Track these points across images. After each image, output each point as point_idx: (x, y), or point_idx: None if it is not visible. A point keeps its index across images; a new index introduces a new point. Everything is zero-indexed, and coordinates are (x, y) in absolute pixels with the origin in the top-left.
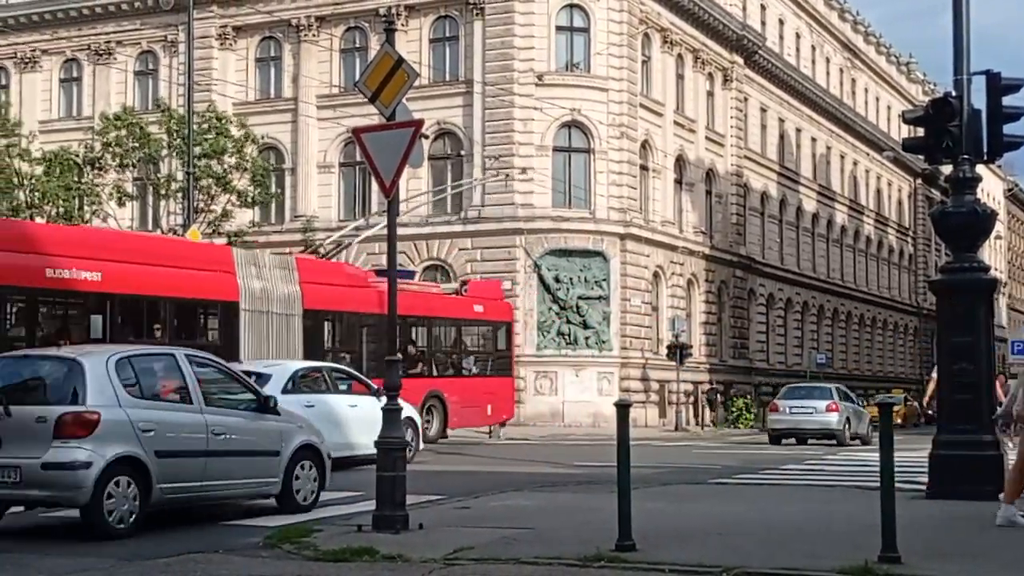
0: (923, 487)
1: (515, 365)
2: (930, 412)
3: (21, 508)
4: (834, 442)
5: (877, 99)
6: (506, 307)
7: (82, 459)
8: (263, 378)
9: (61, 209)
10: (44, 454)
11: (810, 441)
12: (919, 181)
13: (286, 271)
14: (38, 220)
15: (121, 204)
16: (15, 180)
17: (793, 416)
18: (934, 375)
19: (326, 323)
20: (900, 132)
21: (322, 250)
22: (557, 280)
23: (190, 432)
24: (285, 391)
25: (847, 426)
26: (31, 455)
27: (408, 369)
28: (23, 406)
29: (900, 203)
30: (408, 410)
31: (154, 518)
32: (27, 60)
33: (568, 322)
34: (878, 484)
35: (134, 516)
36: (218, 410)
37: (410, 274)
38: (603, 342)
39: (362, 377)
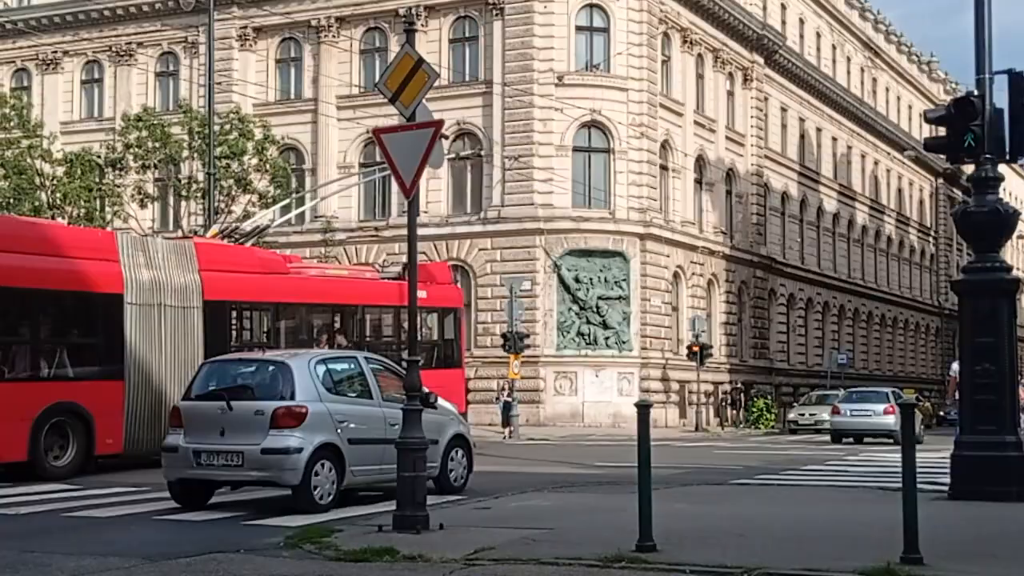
0: (945, 488)
1: (465, 355)
2: (941, 413)
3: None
4: (891, 441)
5: (898, 98)
6: (454, 292)
7: (295, 445)
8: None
9: (82, 210)
10: (263, 441)
11: (866, 440)
12: (941, 180)
13: (182, 258)
14: (60, 221)
15: (143, 205)
16: (37, 181)
17: (854, 418)
18: (952, 373)
19: (234, 316)
20: (922, 131)
21: (237, 233)
22: (577, 280)
23: (372, 423)
24: None
25: None
26: (251, 443)
27: None
28: (242, 402)
29: (921, 203)
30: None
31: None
32: (49, 62)
33: (588, 322)
34: (899, 485)
35: (332, 494)
36: (391, 404)
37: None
38: (623, 342)
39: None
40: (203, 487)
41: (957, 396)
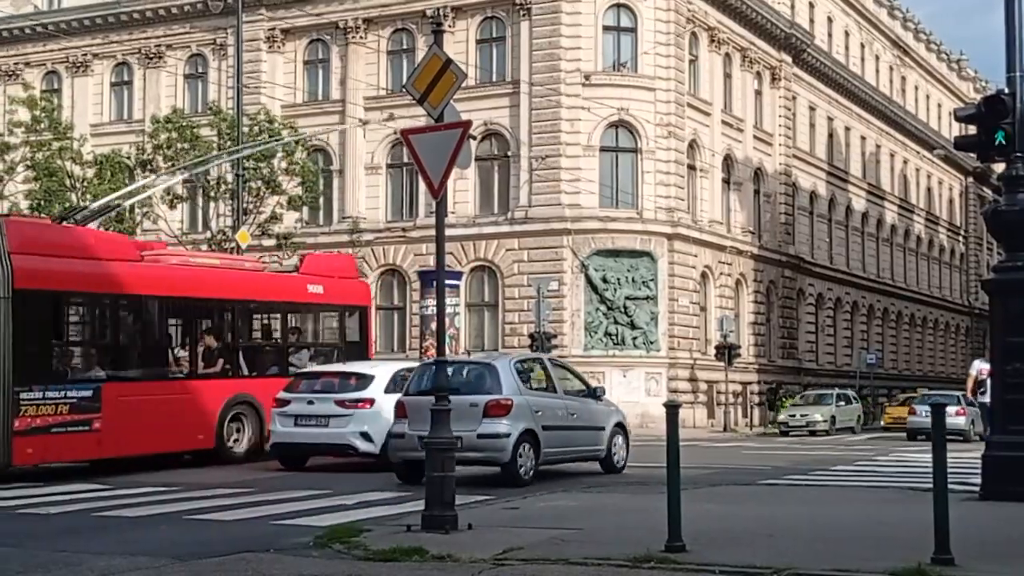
0: (976, 488)
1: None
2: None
3: None
4: (961, 439)
5: (927, 97)
6: (360, 288)
7: (504, 431)
8: (366, 379)
9: (112, 212)
10: (478, 428)
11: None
12: (970, 179)
13: None
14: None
15: (172, 207)
16: (67, 183)
17: (928, 418)
18: (972, 372)
19: (58, 309)
20: (951, 130)
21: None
22: (604, 280)
23: (557, 412)
24: (387, 391)
25: (972, 426)
26: (468, 429)
27: (205, 367)
28: (458, 395)
29: (951, 201)
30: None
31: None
32: (79, 64)
33: (616, 322)
34: (930, 485)
35: (532, 471)
36: (569, 396)
37: (457, 275)
38: (651, 342)
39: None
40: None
41: (981, 395)
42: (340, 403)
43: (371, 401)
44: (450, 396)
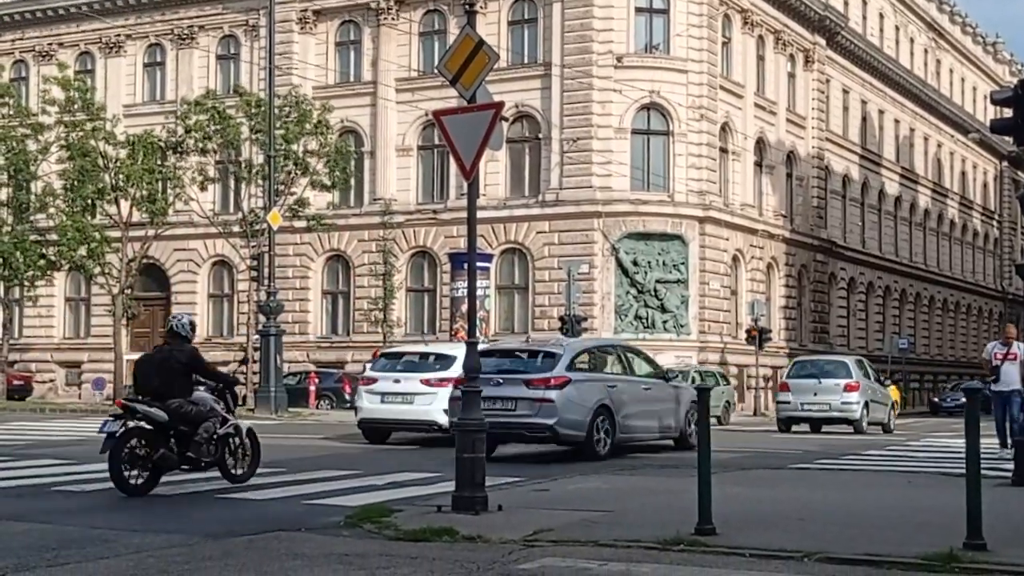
0: (1009, 474)
1: None
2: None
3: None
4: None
5: (963, 80)
6: None
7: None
8: (448, 359)
9: (145, 192)
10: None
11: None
12: (1005, 163)
13: None
14: (123, 203)
15: (203, 188)
16: (101, 163)
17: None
18: (985, 355)
19: None
20: (986, 113)
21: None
22: (635, 263)
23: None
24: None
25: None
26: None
27: None
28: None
29: (985, 186)
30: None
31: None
32: (112, 45)
33: (646, 306)
34: (961, 470)
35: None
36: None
37: (488, 257)
38: (681, 326)
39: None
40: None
41: (993, 382)
42: (425, 382)
43: (455, 380)
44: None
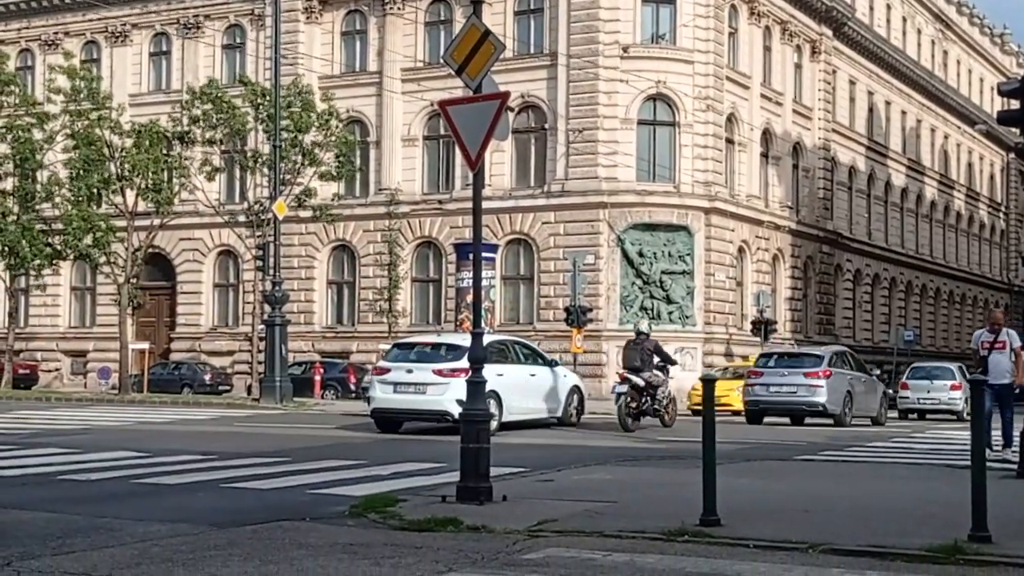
0: (1014, 467)
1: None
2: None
3: None
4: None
5: (969, 71)
6: None
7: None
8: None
9: (150, 182)
10: None
11: None
12: (1012, 155)
13: None
14: (128, 192)
15: (211, 178)
16: (106, 152)
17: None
18: (974, 344)
19: None
20: (993, 105)
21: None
22: (641, 254)
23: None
24: None
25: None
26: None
27: None
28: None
29: (992, 177)
30: (573, 379)
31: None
32: (118, 34)
33: (651, 297)
34: (966, 463)
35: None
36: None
37: (493, 248)
38: (687, 317)
39: (538, 349)
40: None
41: (980, 372)
42: (438, 372)
43: (466, 370)
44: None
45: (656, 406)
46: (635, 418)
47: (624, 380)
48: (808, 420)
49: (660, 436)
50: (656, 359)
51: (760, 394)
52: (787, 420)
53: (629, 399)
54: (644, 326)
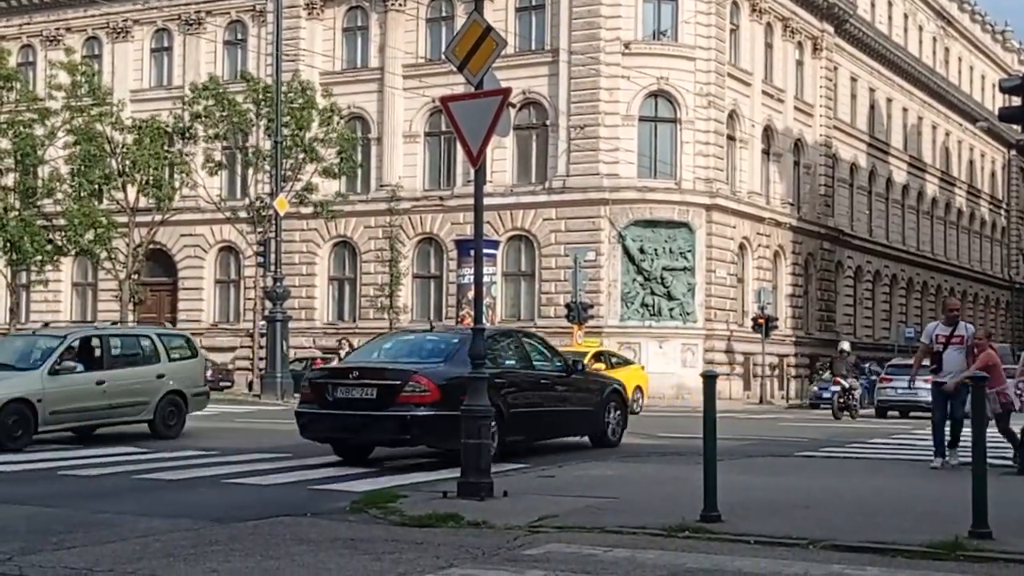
0: (1014, 464)
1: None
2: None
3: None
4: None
5: (971, 68)
6: None
7: None
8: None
9: (151, 177)
10: None
11: None
12: (1013, 152)
13: None
14: (129, 188)
15: (212, 174)
16: (107, 148)
17: None
18: (924, 339)
19: None
20: (995, 102)
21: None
22: (642, 251)
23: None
24: None
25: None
26: None
27: None
28: None
29: (993, 175)
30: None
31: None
32: (119, 30)
33: (652, 293)
34: (968, 460)
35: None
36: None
37: (494, 244)
38: (687, 314)
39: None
40: None
41: (933, 371)
42: None
43: None
44: None
45: (852, 402)
46: (841, 410)
47: (837, 383)
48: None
49: (660, 432)
50: (854, 370)
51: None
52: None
53: (839, 396)
54: (846, 345)
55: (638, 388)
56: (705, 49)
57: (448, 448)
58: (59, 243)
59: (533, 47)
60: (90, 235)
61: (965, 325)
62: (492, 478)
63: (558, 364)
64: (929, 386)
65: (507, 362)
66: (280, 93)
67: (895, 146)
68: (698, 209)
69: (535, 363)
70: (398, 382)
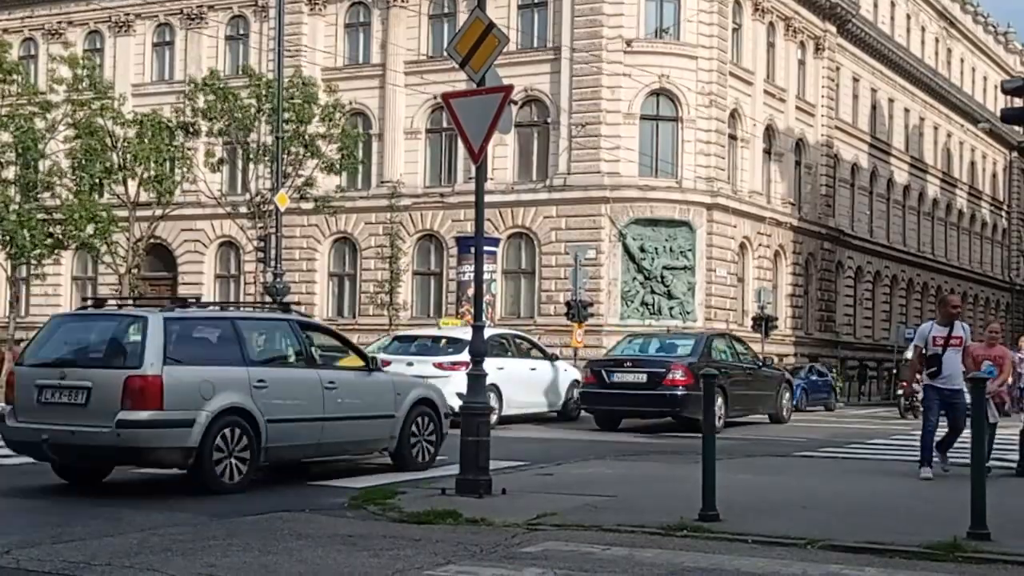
0: (1013, 465)
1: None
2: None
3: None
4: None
5: (973, 70)
6: None
7: None
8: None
9: (152, 172)
10: None
11: None
12: (1015, 154)
13: None
14: (130, 182)
15: (214, 169)
16: (108, 142)
17: None
18: (918, 342)
19: None
20: (996, 103)
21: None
22: (642, 250)
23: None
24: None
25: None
26: None
27: None
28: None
29: (995, 176)
30: (574, 373)
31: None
32: (121, 24)
33: (652, 292)
34: (966, 461)
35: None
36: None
37: (494, 241)
38: (687, 313)
39: (538, 343)
40: None
41: (931, 375)
42: (439, 365)
43: (467, 364)
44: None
45: (916, 403)
46: (907, 410)
47: (903, 387)
48: None
49: (659, 430)
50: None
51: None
52: None
53: (904, 398)
54: (909, 355)
55: None
56: (707, 48)
57: (696, 418)
58: (59, 237)
59: (535, 44)
60: (90, 229)
61: (962, 325)
62: (491, 475)
63: (756, 361)
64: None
65: (723, 358)
66: (282, 88)
67: (896, 147)
68: (699, 208)
69: (741, 359)
70: (663, 370)
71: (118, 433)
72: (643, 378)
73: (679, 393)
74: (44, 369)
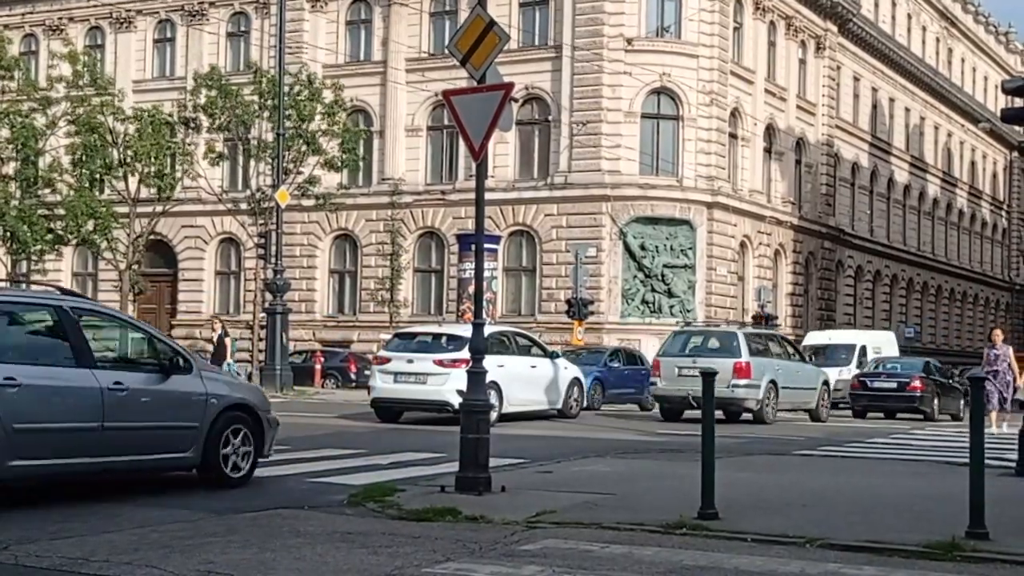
0: (1012, 465)
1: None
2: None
3: None
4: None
5: (974, 69)
6: None
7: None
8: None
9: (153, 168)
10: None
11: None
12: (1015, 154)
13: None
14: (131, 179)
15: (215, 164)
16: (108, 138)
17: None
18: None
19: None
20: (997, 103)
21: None
22: (643, 248)
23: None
24: None
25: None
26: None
27: None
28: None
29: (995, 176)
30: (574, 371)
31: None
32: (122, 20)
33: (653, 290)
34: (965, 460)
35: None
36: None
37: (495, 239)
38: (688, 311)
39: (539, 341)
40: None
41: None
42: (439, 362)
43: (467, 361)
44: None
45: None
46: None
47: None
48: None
49: (659, 429)
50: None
51: None
52: None
53: None
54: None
55: None
56: (708, 47)
57: (929, 411)
58: (59, 232)
59: (536, 42)
60: (91, 225)
61: (1005, 346)
62: (490, 473)
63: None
64: None
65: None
66: (283, 85)
67: (897, 146)
68: (699, 207)
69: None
70: (907, 380)
71: None
72: (894, 384)
73: (916, 395)
74: None
